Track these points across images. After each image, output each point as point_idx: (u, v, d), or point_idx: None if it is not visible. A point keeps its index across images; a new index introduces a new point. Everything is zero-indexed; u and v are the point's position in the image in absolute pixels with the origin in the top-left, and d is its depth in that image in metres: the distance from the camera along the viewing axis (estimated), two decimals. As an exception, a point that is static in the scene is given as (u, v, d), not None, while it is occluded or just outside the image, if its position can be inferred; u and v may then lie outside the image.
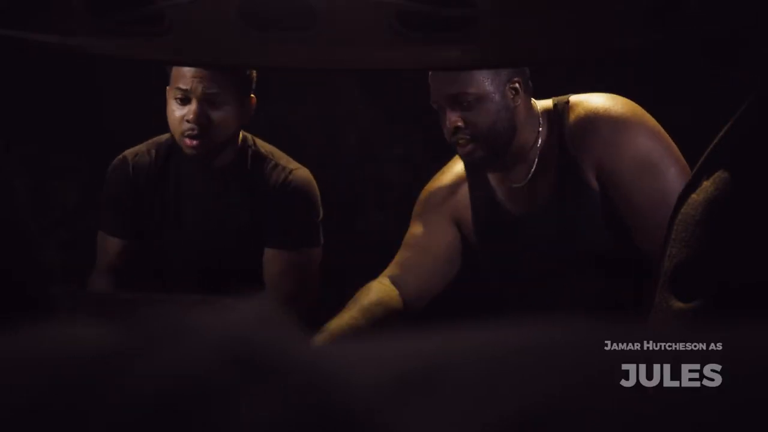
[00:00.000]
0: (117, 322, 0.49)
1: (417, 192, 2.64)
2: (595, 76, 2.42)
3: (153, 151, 2.69)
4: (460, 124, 2.31)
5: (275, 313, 0.51)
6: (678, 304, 1.40)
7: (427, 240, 2.54)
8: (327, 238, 2.67)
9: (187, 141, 2.51)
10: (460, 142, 2.34)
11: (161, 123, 2.59)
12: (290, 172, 2.64)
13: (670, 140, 2.29)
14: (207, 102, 2.48)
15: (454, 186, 2.53)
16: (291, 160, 2.68)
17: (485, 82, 2.29)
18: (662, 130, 2.28)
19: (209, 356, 0.45)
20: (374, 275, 2.54)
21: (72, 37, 1.62)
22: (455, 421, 0.42)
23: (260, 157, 2.64)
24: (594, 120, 2.31)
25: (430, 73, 2.35)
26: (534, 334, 0.50)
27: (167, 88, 2.57)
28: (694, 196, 1.43)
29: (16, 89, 3.47)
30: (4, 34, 1.58)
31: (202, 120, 2.47)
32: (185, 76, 2.47)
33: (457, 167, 2.53)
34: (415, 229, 2.57)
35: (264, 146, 2.67)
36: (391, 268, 2.52)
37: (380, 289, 2.45)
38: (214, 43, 1.64)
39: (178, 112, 2.50)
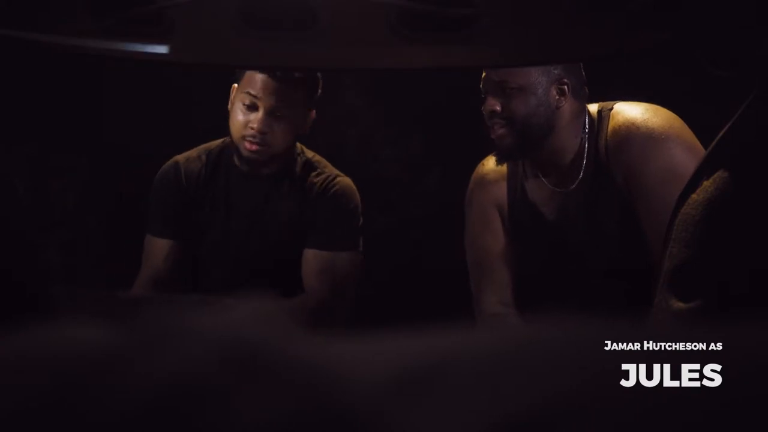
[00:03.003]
0: (117, 322, 0.49)
1: (417, 192, 2.64)
2: (595, 76, 2.42)
3: (204, 157, 2.76)
4: (497, 108, 2.34)
5: (275, 313, 0.51)
6: (678, 304, 1.40)
7: (496, 248, 2.53)
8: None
9: (248, 144, 2.59)
10: (494, 126, 2.37)
11: (162, 123, 2.60)
12: (334, 178, 2.72)
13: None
14: (273, 114, 2.56)
15: (496, 180, 2.54)
16: (335, 169, 2.76)
17: (532, 74, 2.32)
18: (699, 146, 2.26)
19: (209, 356, 0.45)
20: (374, 275, 2.55)
21: (72, 37, 1.62)
22: (455, 421, 0.42)
23: (308, 165, 2.72)
24: (630, 131, 2.31)
25: None
26: (534, 334, 0.50)
27: (234, 85, 2.64)
28: (694, 196, 1.43)
29: (16, 89, 3.47)
30: (4, 34, 1.58)
31: (265, 130, 2.56)
32: (257, 83, 2.55)
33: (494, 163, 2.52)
34: (481, 241, 2.56)
35: (310, 153, 2.76)
36: (493, 306, 2.50)
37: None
38: (214, 43, 1.64)
39: (243, 117, 2.58)
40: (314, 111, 2.67)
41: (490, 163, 2.55)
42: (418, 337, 0.49)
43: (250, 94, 2.55)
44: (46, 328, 0.49)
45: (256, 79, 2.55)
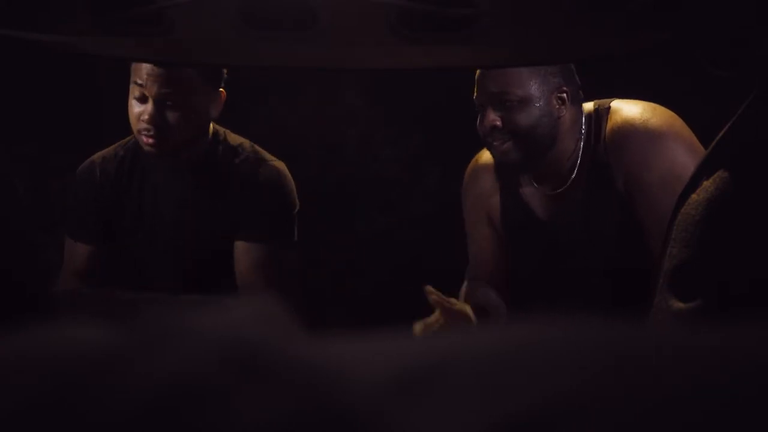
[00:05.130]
0: (117, 322, 0.49)
1: (417, 192, 2.64)
2: (595, 76, 2.42)
3: (120, 152, 2.64)
4: (498, 123, 2.27)
5: (275, 313, 0.51)
6: (678, 304, 1.40)
7: (482, 249, 2.52)
8: (327, 239, 2.67)
9: (144, 139, 2.46)
10: (496, 143, 2.29)
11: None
12: (261, 163, 2.57)
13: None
14: (163, 102, 2.42)
15: (489, 184, 2.50)
16: (263, 152, 2.61)
17: (532, 85, 2.26)
18: (698, 145, 2.23)
19: (209, 356, 0.45)
20: (374, 275, 2.54)
21: (72, 36, 1.62)
22: (455, 420, 0.42)
23: (230, 151, 2.57)
24: (630, 131, 2.27)
25: (477, 72, 2.32)
26: (534, 334, 0.50)
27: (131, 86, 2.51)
28: (694, 196, 1.43)
29: (16, 89, 3.47)
30: (4, 34, 1.58)
31: (157, 121, 2.41)
32: (142, 72, 2.41)
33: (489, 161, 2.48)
34: (472, 241, 2.56)
35: (235, 139, 2.61)
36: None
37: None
38: (214, 43, 1.64)
39: (137, 109, 2.44)
40: (224, 91, 2.51)
41: (484, 157, 2.50)
42: (418, 337, 0.49)
43: (137, 84, 2.42)
44: (46, 328, 0.49)
45: (141, 68, 2.41)
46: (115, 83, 3.46)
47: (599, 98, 2.38)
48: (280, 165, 2.58)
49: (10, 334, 0.47)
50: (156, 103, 2.41)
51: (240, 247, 2.52)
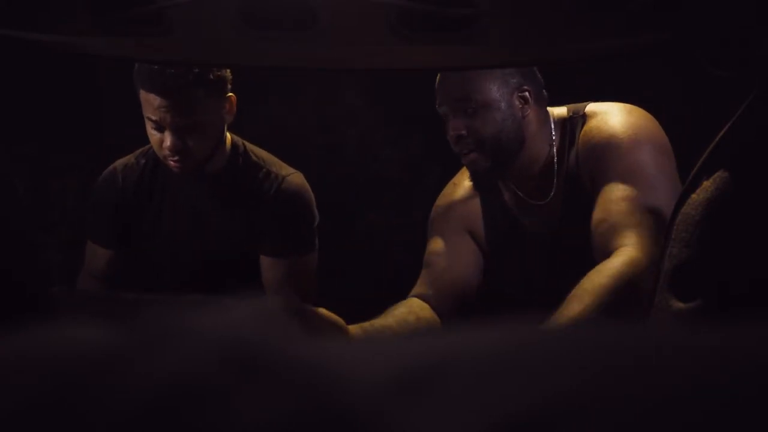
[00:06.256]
0: (117, 322, 0.49)
1: (417, 192, 2.64)
2: (595, 76, 2.42)
3: (142, 161, 2.67)
4: (462, 132, 2.22)
5: (275, 313, 0.51)
6: (678, 304, 1.40)
7: (446, 255, 2.43)
8: (327, 239, 2.67)
9: (171, 163, 2.48)
10: (464, 152, 2.25)
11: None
12: (283, 179, 2.59)
13: (673, 161, 2.20)
14: (180, 129, 2.42)
15: (466, 198, 2.44)
16: (283, 164, 2.64)
17: (491, 88, 2.20)
18: (669, 150, 2.19)
19: (209, 356, 0.45)
20: (374, 275, 2.53)
21: (72, 36, 1.62)
22: (455, 420, 0.42)
23: (251, 165, 2.60)
24: (597, 137, 2.20)
25: (437, 78, 2.28)
26: (534, 334, 0.50)
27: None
28: (694, 196, 1.43)
29: (16, 89, 3.47)
30: (4, 34, 1.58)
31: (178, 147, 2.43)
32: (152, 106, 2.41)
33: (467, 180, 2.44)
34: (433, 246, 2.47)
35: (255, 152, 2.64)
36: (418, 288, 2.42)
37: (411, 303, 2.34)
38: (214, 43, 1.64)
39: (156, 136, 2.46)
40: (233, 95, 2.52)
41: (459, 183, 2.44)
42: (418, 337, 0.49)
43: (150, 120, 2.43)
44: (46, 328, 0.49)
45: (151, 102, 2.40)
46: (115, 83, 3.46)
47: (602, 100, 2.34)
48: (300, 178, 2.62)
49: (10, 334, 0.47)
50: (173, 132, 2.43)
51: (266, 262, 2.57)
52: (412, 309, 2.30)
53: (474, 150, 2.23)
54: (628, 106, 2.24)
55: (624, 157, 2.15)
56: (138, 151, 2.72)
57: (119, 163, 2.70)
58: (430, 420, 0.42)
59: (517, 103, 2.23)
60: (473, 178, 2.35)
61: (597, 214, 2.12)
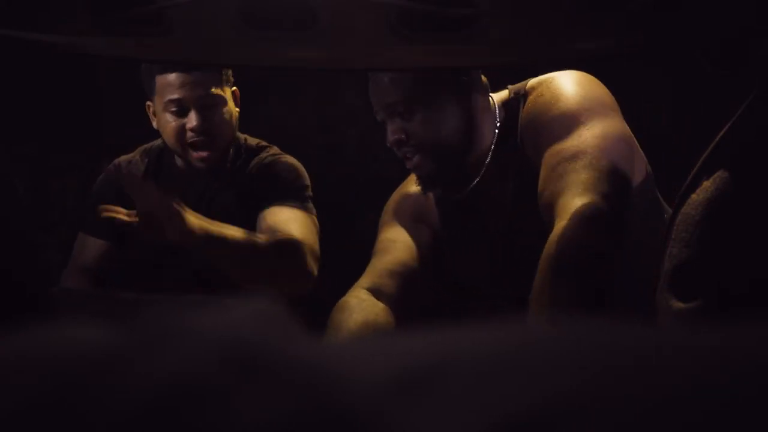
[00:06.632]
0: (117, 322, 0.49)
1: (417, 192, 2.62)
2: (595, 76, 2.41)
3: (145, 158, 2.66)
4: (401, 136, 2.08)
5: (275, 313, 0.51)
6: (678, 304, 1.40)
7: (398, 242, 2.31)
8: (327, 239, 2.67)
9: (195, 154, 2.44)
10: (407, 155, 2.11)
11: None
12: (278, 155, 2.59)
13: (618, 115, 2.02)
14: (205, 107, 2.41)
15: (419, 193, 2.28)
16: (278, 150, 2.62)
17: (421, 86, 2.05)
18: (614, 106, 2.01)
19: (209, 356, 0.45)
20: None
21: (72, 36, 1.62)
22: (455, 420, 0.42)
23: (251, 151, 2.59)
24: (540, 108, 2.02)
25: (369, 85, 2.16)
26: (534, 334, 0.50)
27: (148, 103, 2.50)
28: (694, 196, 1.43)
29: (16, 89, 3.47)
30: (4, 34, 1.58)
31: (205, 126, 2.40)
32: (174, 85, 2.39)
33: None
34: (385, 234, 2.35)
35: (253, 140, 2.63)
36: (366, 277, 2.29)
37: (363, 308, 2.19)
38: (214, 43, 1.64)
39: (177, 123, 2.42)
40: (236, 88, 2.50)
41: (408, 186, 2.33)
42: (418, 337, 0.49)
43: (172, 100, 2.39)
44: (46, 328, 0.49)
45: (172, 83, 2.39)
46: (115, 83, 3.46)
47: None
48: (294, 160, 2.61)
49: (10, 334, 0.47)
50: (199, 109, 2.40)
51: (267, 211, 2.47)
52: (367, 320, 2.14)
53: (417, 153, 2.09)
54: (567, 71, 2.08)
55: (560, 120, 1.98)
56: (140, 148, 2.70)
57: (122, 158, 2.70)
58: (430, 420, 0.42)
59: (453, 97, 2.08)
60: (420, 183, 2.18)
61: (540, 186, 1.96)
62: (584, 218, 1.81)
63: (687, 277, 1.40)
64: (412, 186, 2.32)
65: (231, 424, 0.42)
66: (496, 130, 2.13)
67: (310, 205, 2.58)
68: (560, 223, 1.83)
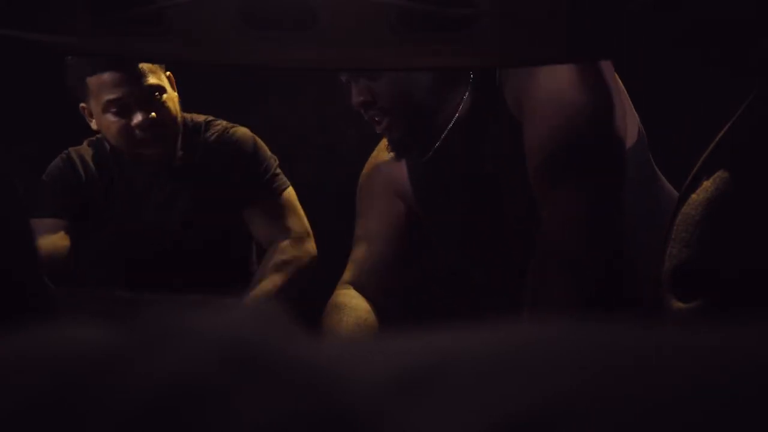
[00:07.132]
0: (117, 322, 0.49)
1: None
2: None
3: (92, 148, 2.63)
4: (367, 98, 1.90)
5: (275, 313, 0.51)
6: (678, 304, 1.40)
7: (376, 225, 2.22)
8: (327, 239, 2.67)
9: (147, 151, 2.42)
10: (375, 119, 1.93)
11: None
12: (229, 129, 2.55)
13: (607, 79, 1.89)
14: (147, 100, 2.37)
15: (391, 160, 2.17)
16: (224, 123, 2.58)
17: None
18: (602, 76, 1.86)
19: (209, 356, 0.45)
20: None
21: (72, 36, 1.62)
22: (455, 420, 0.42)
23: (199, 129, 2.56)
24: (534, 72, 1.84)
25: None
26: (534, 334, 0.50)
27: (82, 105, 2.47)
28: (694, 196, 1.43)
29: (16, 89, 3.47)
30: (4, 34, 1.58)
31: (152, 120, 2.37)
32: (110, 85, 2.34)
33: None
34: (363, 220, 2.26)
35: (199, 118, 2.60)
36: (350, 272, 2.24)
37: (353, 306, 2.14)
38: (214, 43, 1.64)
39: (121, 122, 2.38)
40: (170, 72, 2.47)
41: (383, 147, 2.18)
42: (418, 337, 0.49)
43: (112, 101, 2.35)
44: (46, 328, 0.49)
45: (107, 82, 2.34)
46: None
47: None
48: (245, 130, 2.57)
49: (10, 334, 0.47)
50: (142, 105, 2.36)
51: (248, 213, 2.51)
52: (358, 323, 2.10)
53: (386, 115, 1.91)
54: None
55: (552, 78, 1.83)
56: (88, 140, 2.66)
57: (72, 149, 2.65)
58: (430, 420, 0.42)
59: None
60: (392, 148, 2.01)
61: (529, 162, 1.82)
62: (576, 217, 1.77)
63: (687, 277, 1.40)
64: (383, 153, 2.19)
65: (231, 424, 0.42)
66: (470, 81, 1.94)
67: (282, 177, 2.58)
68: (552, 218, 1.79)
